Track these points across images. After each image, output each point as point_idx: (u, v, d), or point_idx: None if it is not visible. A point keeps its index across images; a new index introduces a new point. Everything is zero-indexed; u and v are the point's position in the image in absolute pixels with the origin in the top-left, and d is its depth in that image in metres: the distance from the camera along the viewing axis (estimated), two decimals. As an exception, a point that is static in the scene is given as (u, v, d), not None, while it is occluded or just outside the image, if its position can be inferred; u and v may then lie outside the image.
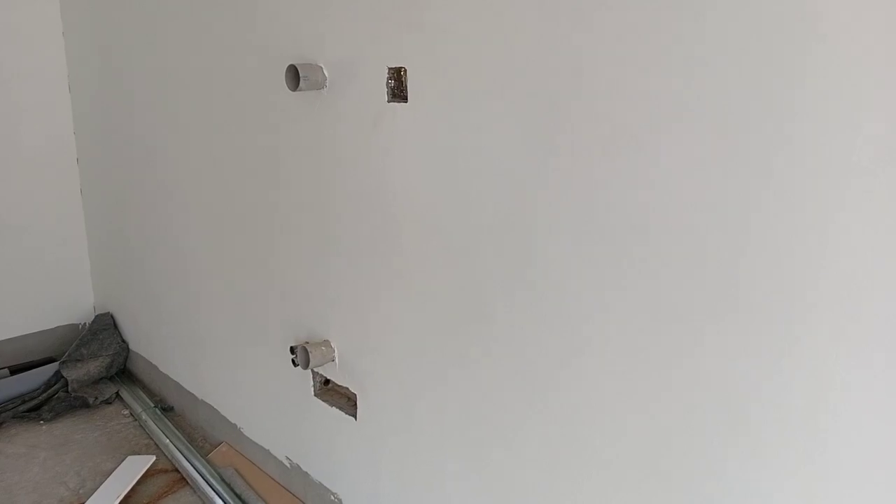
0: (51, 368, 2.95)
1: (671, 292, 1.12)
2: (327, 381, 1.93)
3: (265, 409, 2.23)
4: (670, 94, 1.07)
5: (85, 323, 3.24)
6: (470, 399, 1.51)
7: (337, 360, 1.85)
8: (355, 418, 1.83)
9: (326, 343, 1.85)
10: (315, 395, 1.95)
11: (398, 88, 1.51)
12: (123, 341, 3.12)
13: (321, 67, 1.67)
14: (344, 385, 1.86)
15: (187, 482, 2.32)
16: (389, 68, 1.51)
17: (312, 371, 1.92)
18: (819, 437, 0.99)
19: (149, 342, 2.96)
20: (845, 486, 0.98)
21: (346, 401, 1.87)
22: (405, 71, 1.48)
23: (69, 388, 2.88)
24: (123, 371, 3.11)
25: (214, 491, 2.21)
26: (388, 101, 1.53)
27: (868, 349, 0.93)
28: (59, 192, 3.14)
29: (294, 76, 1.65)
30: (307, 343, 1.84)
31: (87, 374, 2.95)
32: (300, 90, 1.66)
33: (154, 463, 2.41)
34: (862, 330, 0.93)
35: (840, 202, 0.92)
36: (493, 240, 1.38)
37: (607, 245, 1.19)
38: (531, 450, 1.40)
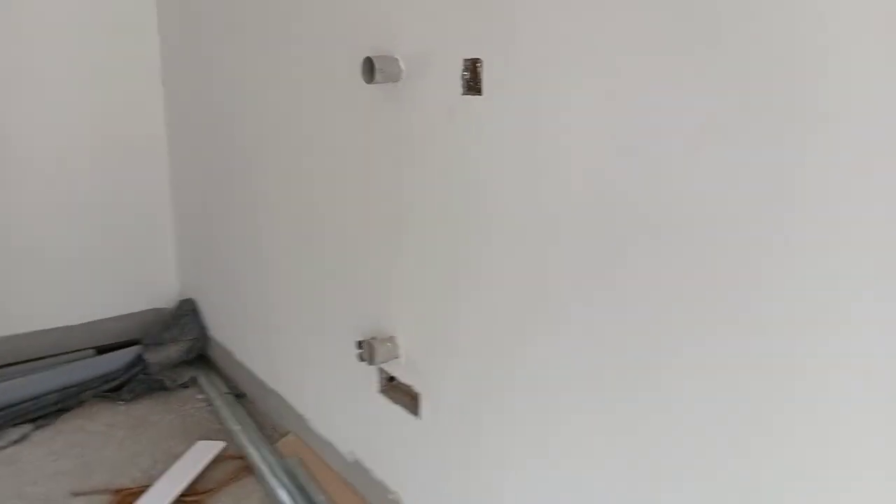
0: (133, 350, 3.05)
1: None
2: (392, 378, 1.90)
3: (331, 402, 2.23)
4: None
5: (169, 308, 3.35)
6: (537, 403, 1.45)
7: (402, 357, 1.82)
8: (418, 417, 1.80)
9: (392, 340, 1.82)
10: (379, 391, 1.93)
11: (473, 81, 1.47)
12: (203, 327, 3.20)
13: (397, 60, 1.64)
14: (408, 383, 1.83)
15: (253, 470, 2.35)
16: (465, 60, 1.47)
17: (378, 367, 1.90)
18: None
19: (226, 330, 3.02)
20: None
21: (409, 399, 1.84)
22: (480, 63, 1.44)
23: (149, 371, 2.98)
24: (201, 356, 3.19)
25: (279, 481, 2.23)
26: (463, 94, 1.49)
27: None
28: (149, 185, 3.27)
29: (370, 69, 1.63)
30: (374, 339, 1.82)
31: (168, 357, 3.04)
32: (376, 83, 1.64)
33: (223, 449, 2.45)
34: None
35: None
36: (572, 240, 1.31)
37: (695, 246, 1.12)
38: (604, 460, 1.33)
